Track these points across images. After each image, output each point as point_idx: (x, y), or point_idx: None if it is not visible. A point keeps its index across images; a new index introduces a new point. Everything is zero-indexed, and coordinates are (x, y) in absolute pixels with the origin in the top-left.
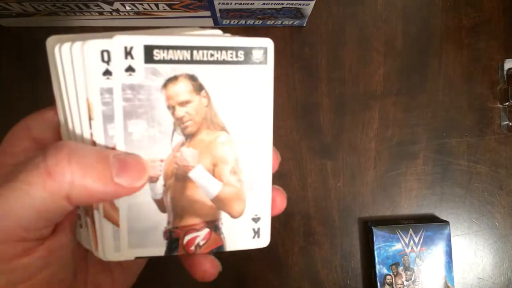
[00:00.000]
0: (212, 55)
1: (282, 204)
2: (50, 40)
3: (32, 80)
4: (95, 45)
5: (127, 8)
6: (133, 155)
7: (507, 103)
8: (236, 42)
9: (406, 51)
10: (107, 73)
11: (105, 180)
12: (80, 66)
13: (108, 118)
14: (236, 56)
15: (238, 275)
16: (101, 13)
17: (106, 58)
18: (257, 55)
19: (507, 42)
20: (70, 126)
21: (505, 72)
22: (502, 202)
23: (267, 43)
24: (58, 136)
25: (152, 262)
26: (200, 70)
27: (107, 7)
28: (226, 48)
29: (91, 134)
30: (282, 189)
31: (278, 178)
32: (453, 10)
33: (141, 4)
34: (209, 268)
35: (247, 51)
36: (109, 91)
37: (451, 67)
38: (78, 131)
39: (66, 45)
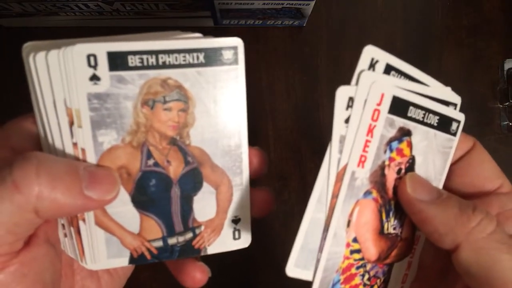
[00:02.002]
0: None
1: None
2: (26, 47)
3: None
4: (81, 50)
5: (127, 8)
6: (103, 167)
7: (507, 103)
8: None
9: (406, 51)
10: (94, 78)
11: (74, 193)
12: (58, 74)
13: (97, 124)
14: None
15: (238, 275)
16: (101, 13)
17: (92, 63)
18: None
19: (507, 42)
20: (49, 135)
21: (505, 72)
22: None
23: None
24: (37, 145)
25: (140, 268)
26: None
27: (107, 7)
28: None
29: (73, 144)
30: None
31: (278, 178)
32: (453, 10)
33: (141, 4)
34: (198, 274)
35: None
36: (97, 96)
37: (451, 67)
38: (57, 140)
39: (41, 54)
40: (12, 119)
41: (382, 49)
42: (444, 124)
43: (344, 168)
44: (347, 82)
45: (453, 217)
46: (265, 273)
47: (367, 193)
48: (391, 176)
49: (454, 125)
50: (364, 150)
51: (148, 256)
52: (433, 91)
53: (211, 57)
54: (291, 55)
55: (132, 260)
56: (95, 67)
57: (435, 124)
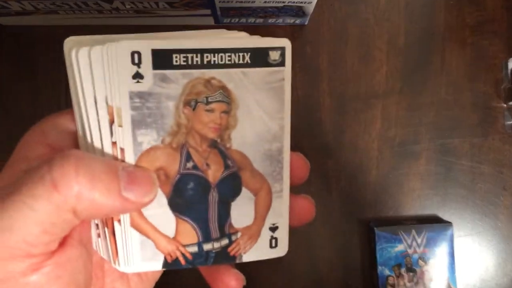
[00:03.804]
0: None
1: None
2: (67, 42)
3: (30, 79)
4: (126, 46)
5: (127, 6)
6: (142, 168)
7: (511, 102)
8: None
9: (408, 50)
10: (137, 76)
11: (113, 194)
12: (101, 70)
13: (137, 123)
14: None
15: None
16: (100, 12)
17: (136, 61)
18: (274, 56)
19: (510, 40)
20: (87, 133)
21: (509, 71)
22: (506, 203)
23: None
24: (75, 143)
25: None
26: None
27: (106, 6)
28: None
29: (113, 143)
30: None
31: None
32: (456, 8)
33: (141, 3)
34: (233, 282)
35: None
36: (139, 95)
37: (454, 66)
38: (96, 138)
39: (84, 49)
40: (12, 117)
41: (385, 47)
42: (257, 58)
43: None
44: (349, 80)
45: None
46: (265, 273)
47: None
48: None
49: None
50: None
51: (183, 262)
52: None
53: (257, 58)
54: (293, 53)
55: (166, 264)
56: (138, 64)
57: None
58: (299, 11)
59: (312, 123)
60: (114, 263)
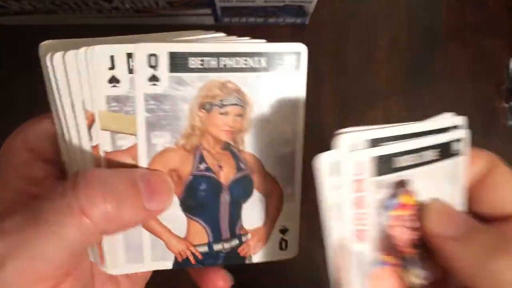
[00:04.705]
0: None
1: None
2: (42, 46)
3: (29, 79)
4: (100, 51)
5: (127, 5)
6: (156, 173)
7: None
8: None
9: (410, 50)
10: (153, 78)
11: (138, 210)
12: (76, 75)
13: (151, 126)
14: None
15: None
16: (100, 11)
17: (153, 63)
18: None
19: None
20: (67, 137)
21: (510, 71)
22: None
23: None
24: (55, 147)
25: (159, 272)
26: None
27: (106, 5)
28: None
29: (93, 146)
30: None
31: None
32: (458, 8)
33: (141, 2)
34: (221, 282)
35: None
36: (155, 97)
37: (456, 66)
38: (76, 142)
39: (58, 55)
40: (11, 117)
41: (386, 47)
42: (444, 151)
43: (342, 243)
44: (351, 80)
45: (479, 256)
46: (265, 274)
47: (378, 262)
48: (400, 233)
49: (454, 146)
50: (359, 225)
51: (193, 261)
52: (426, 126)
53: (273, 62)
54: None
55: (176, 263)
56: (155, 67)
57: (434, 158)
58: (299, 11)
59: (314, 123)
60: (101, 265)
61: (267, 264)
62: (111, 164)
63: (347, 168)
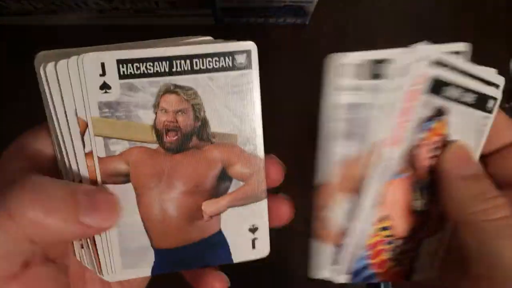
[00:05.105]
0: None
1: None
2: (38, 57)
3: (29, 80)
4: (90, 59)
5: (127, 6)
6: (104, 192)
7: None
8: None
9: None
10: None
11: (69, 220)
12: (68, 84)
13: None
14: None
15: (238, 278)
16: (100, 11)
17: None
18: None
19: None
20: (62, 145)
21: (510, 71)
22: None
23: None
24: (53, 157)
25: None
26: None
27: (106, 5)
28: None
29: (87, 153)
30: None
31: None
32: (458, 9)
33: (141, 2)
34: (217, 284)
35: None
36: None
37: None
38: (70, 149)
39: (51, 64)
40: (11, 117)
41: (387, 47)
42: (481, 101)
43: (375, 147)
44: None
45: (471, 196)
46: (266, 274)
47: (399, 172)
48: (423, 155)
49: (490, 103)
50: (398, 131)
51: None
52: (475, 69)
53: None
54: (294, 53)
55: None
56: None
57: (472, 103)
58: (300, 11)
59: (313, 123)
60: (99, 272)
61: (268, 263)
62: (105, 170)
63: (408, 77)
